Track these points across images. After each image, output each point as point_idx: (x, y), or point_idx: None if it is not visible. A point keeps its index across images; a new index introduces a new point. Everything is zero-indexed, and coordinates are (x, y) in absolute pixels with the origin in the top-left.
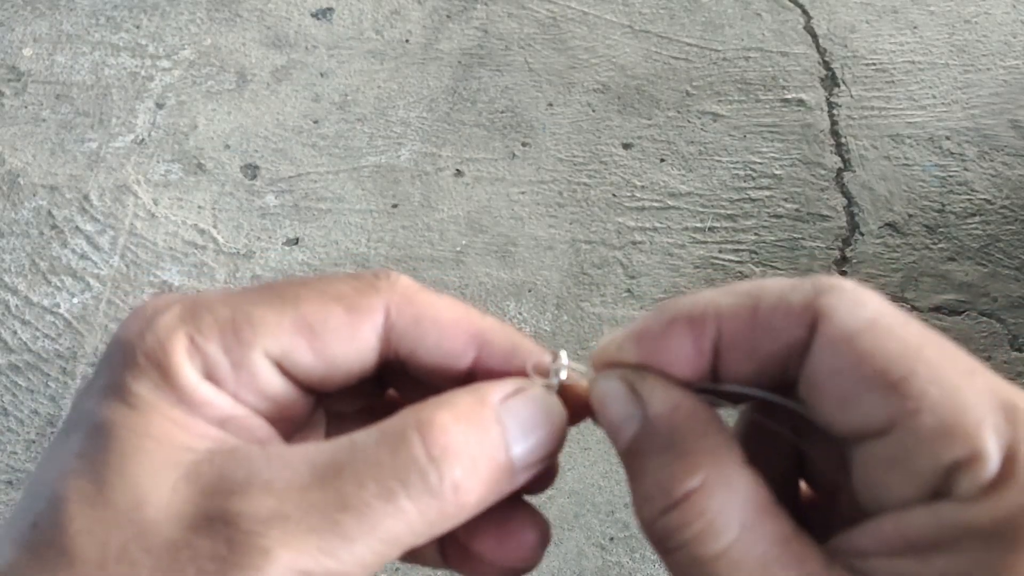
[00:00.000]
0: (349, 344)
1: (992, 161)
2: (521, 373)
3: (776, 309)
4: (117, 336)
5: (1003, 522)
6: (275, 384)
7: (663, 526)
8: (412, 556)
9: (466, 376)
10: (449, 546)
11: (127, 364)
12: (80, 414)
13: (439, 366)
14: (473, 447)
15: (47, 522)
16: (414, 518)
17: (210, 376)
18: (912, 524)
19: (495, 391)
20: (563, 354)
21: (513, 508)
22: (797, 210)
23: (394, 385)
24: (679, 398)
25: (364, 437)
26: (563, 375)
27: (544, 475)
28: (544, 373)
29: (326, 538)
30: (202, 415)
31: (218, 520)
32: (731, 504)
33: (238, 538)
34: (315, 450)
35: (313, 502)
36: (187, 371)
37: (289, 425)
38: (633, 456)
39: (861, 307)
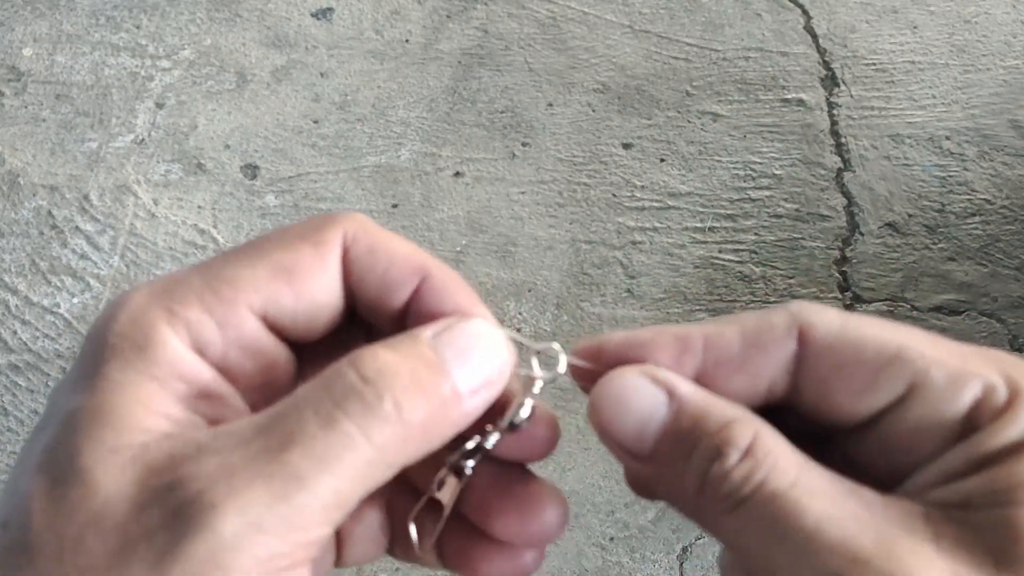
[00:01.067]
0: (322, 278)
1: (992, 161)
2: (451, 312)
3: (762, 329)
4: (91, 327)
5: None
6: (263, 340)
7: (737, 477)
8: (407, 554)
9: (402, 312)
10: (448, 544)
11: (100, 349)
12: (51, 408)
13: (382, 296)
14: (408, 367)
15: (16, 523)
16: (362, 444)
17: (196, 341)
18: (951, 461)
19: (427, 328)
20: (558, 348)
21: (530, 484)
22: (797, 210)
23: None
24: (691, 382)
25: (302, 387)
26: (562, 367)
27: (541, 437)
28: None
29: (275, 481)
30: (178, 387)
31: (163, 491)
32: (784, 446)
33: (185, 501)
34: (262, 414)
35: (257, 448)
36: (167, 341)
37: (274, 391)
38: (674, 435)
39: (830, 313)
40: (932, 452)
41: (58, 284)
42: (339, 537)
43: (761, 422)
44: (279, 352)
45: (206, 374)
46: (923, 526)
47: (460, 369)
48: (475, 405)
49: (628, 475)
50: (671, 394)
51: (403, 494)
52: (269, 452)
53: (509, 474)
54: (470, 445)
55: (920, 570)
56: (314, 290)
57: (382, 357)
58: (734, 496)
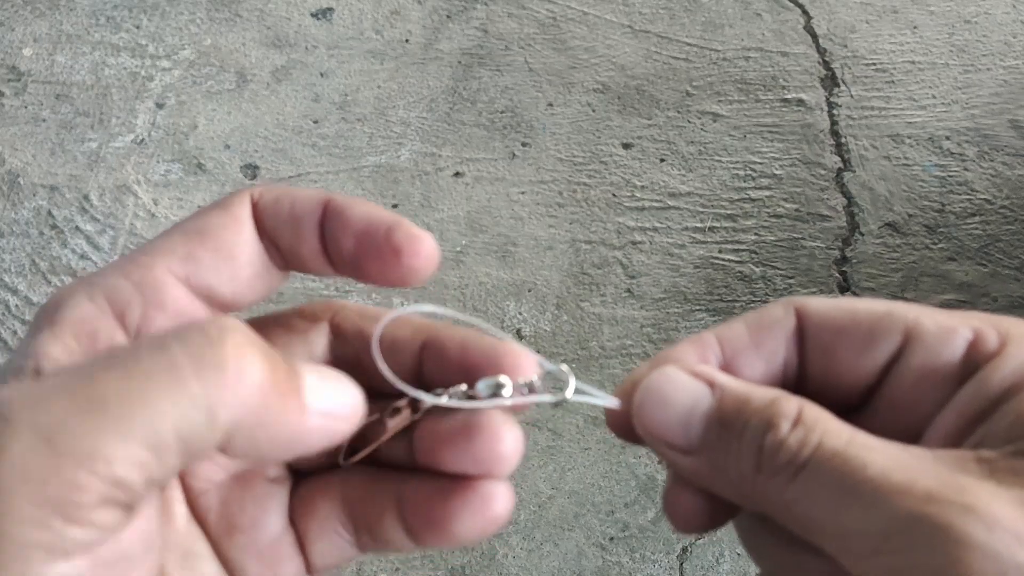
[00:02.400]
0: (234, 234)
1: (992, 161)
2: (358, 224)
3: (763, 315)
4: None
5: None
6: (188, 305)
7: (793, 443)
8: (375, 540)
9: (320, 246)
10: (413, 516)
11: (31, 335)
12: None
13: (295, 234)
14: (263, 342)
15: None
16: (189, 377)
17: (114, 303)
18: (965, 408)
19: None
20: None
21: (479, 413)
22: (797, 210)
23: None
24: (726, 373)
25: None
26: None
27: (496, 451)
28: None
29: (78, 397)
30: (69, 343)
31: None
32: (828, 414)
33: None
34: None
35: (80, 370)
36: (74, 302)
37: None
38: (721, 420)
39: (820, 297)
40: (939, 402)
41: (58, 284)
42: (299, 537)
43: (800, 397)
44: (205, 316)
45: (107, 337)
46: (976, 467)
47: (313, 383)
48: (318, 426)
49: (672, 503)
50: (712, 384)
51: (356, 486)
52: (86, 371)
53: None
54: (445, 395)
55: (991, 500)
56: (228, 244)
57: (234, 320)
58: (793, 463)
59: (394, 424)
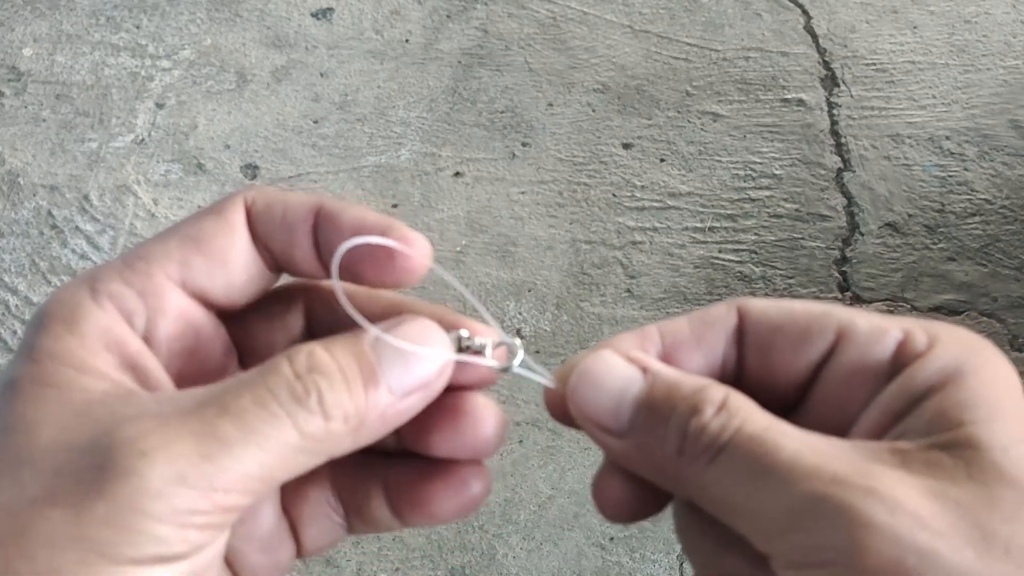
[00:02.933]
0: (228, 239)
1: (992, 161)
2: (350, 228)
3: (706, 312)
4: (32, 315)
5: (952, 363)
6: (187, 308)
7: (714, 427)
8: (364, 522)
9: (314, 252)
10: (398, 497)
11: (37, 328)
12: None
13: (289, 240)
14: (339, 366)
15: None
16: (288, 428)
17: (122, 311)
18: (890, 402)
19: (371, 328)
20: (518, 343)
21: (465, 398)
22: (797, 210)
23: None
24: (660, 361)
25: (243, 373)
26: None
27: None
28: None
29: (205, 441)
30: (106, 356)
31: (102, 441)
32: (753, 404)
33: (116, 447)
34: (202, 388)
35: (193, 413)
36: (92, 314)
37: (204, 358)
38: (650, 405)
39: (762, 298)
40: (867, 399)
41: (58, 284)
42: (292, 523)
43: (729, 387)
44: (206, 320)
45: (133, 343)
46: (890, 457)
47: (395, 372)
48: (409, 405)
49: (601, 489)
50: (645, 369)
51: (345, 471)
52: (203, 418)
53: (445, 393)
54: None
55: (895, 485)
56: (222, 250)
57: (316, 355)
58: (713, 446)
59: None
